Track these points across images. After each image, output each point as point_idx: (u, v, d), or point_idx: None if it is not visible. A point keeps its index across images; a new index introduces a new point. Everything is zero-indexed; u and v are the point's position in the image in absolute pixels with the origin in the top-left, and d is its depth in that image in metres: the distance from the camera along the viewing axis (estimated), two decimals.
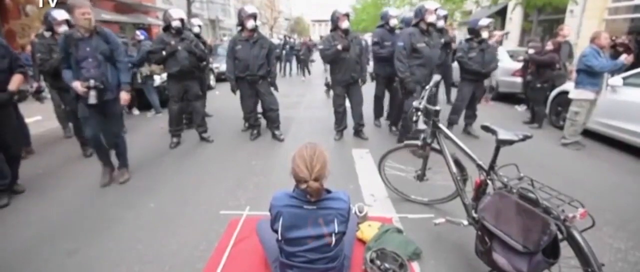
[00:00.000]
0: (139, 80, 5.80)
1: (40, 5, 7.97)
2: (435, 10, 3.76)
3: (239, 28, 4.28)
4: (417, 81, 3.78)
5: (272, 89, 4.55)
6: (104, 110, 3.03)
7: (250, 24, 4.10)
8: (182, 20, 4.10)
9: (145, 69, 5.72)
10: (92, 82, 2.80)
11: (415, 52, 3.74)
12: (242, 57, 4.16)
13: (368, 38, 10.35)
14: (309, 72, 12.59)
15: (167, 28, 4.10)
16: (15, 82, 2.90)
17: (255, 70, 4.20)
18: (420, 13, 3.75)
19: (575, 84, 4.08)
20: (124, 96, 3.05)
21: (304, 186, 1.49)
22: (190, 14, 17.61)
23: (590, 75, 3.90)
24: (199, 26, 5.25)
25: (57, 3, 7.05)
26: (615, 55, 4.10)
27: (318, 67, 14.55)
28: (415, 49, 3.72)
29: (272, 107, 4.49)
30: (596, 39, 3.94)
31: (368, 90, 4.76)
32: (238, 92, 4.45)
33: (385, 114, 5.38)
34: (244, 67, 4.19)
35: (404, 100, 3.95)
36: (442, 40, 4.81)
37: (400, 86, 3.94)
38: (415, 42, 3.72)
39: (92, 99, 2.81)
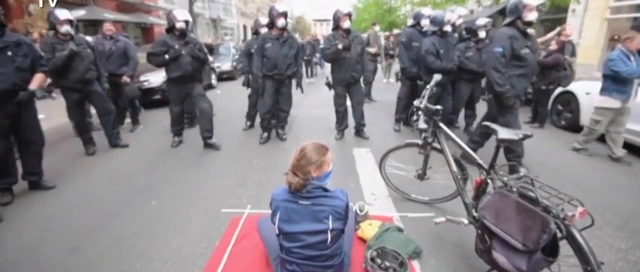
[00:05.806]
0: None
1: (41, 4, 8.00)
2: (537, 6, 2.94)
3: (269, 26, 4.24)
4: (516, 95, 3.08)
5: (298, 90, 4.57)
6: None
7: (281, 22, 4.04)
8: (186, 22, 3.96)
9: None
10: None
11: (516, 60, 3.04)
12: (271, 56, 4.10)
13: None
14: (311, 73, 11.91)
15: (171, 29, 3.98)
16: (36, 81, 2.93)
17: (284, 70, 4.18)
18: (517, 10, 2.97)
19: (601, 90, 3.73)
20: None
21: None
22: (192, 14, 17.62)
23: (617, 81, 3.54)
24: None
25: (58, 2, 7.08)
26: None
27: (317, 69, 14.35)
28: (517, 55, 3.01)
29: (284, 108, 4.52)
30: (627, 42, 3.52)
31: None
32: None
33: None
34: (272, 65, 4.14)
35: (500, 118, 3.11)
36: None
37: (496, 101, 3.18)
38: (517, 47, 2.98)
39: None
